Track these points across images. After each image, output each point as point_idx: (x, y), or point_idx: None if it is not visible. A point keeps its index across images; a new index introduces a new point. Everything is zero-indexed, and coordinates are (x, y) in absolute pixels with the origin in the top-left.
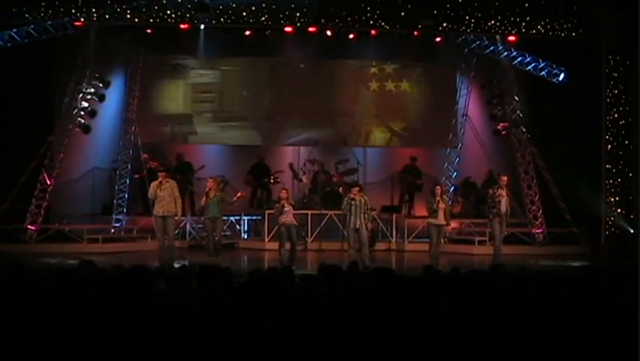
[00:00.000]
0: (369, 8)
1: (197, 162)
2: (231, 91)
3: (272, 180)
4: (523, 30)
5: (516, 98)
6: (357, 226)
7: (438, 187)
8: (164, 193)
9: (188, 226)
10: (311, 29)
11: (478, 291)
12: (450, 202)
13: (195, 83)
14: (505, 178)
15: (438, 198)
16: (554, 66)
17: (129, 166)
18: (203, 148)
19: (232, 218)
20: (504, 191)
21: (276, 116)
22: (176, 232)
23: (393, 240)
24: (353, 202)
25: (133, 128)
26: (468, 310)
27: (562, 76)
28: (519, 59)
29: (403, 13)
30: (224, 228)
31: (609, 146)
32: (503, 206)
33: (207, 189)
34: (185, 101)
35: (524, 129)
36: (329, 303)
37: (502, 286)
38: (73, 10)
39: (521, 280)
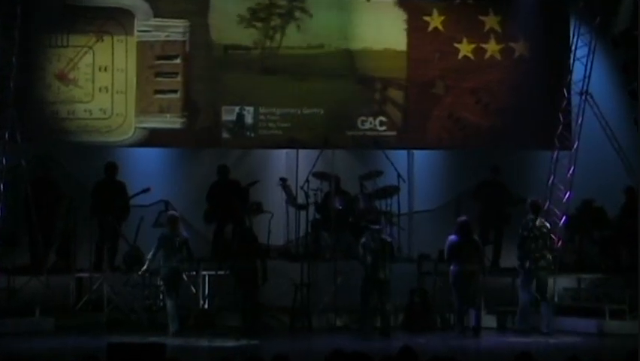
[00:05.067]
0: None
1: (130, 179)
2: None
3: (254, 207)
4: None
5: None
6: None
7: None
8: None
9: (105, 289)
10: None
11: None
12: (557, 243)
13: (140, 41)
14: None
15: None
16: None
17: (2, 186)
18: (137, 154)
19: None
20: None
21: (261, 100)
22: (86, 298)
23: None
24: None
25: (8, 118)
26: None
27: None
28: None
29: None
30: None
31: None
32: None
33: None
34: (110, 73)
35: None
36: None
37: None
38: None
39: None
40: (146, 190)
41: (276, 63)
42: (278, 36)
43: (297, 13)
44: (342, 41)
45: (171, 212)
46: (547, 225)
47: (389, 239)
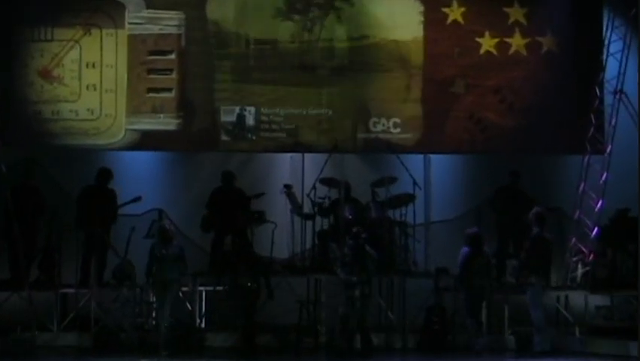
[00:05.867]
0: None
1: (121, 185)
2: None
3: (255, 216)
4: None
5: None
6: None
7: None
8: None
9: (92, 306)
10: None
11: None
12: (588, 257)
13: (131, 34)
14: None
15: None
16: None
17: None
18: (127, 159)
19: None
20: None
21: (266, 98)
22: (71, 315)
23: (483, 331)
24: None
25: None
26: None
27: None
28: None
29: None
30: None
31: None
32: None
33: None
34: (98, 70)
35: None
36: None
37: None
38: None
39: None
40: (136, 199)
41: (314, 57)
42: (317, 28)
43: (338, 3)
44: (389, 31)
45: (162, 223)
46: (549, 237)
47: (372, 251)
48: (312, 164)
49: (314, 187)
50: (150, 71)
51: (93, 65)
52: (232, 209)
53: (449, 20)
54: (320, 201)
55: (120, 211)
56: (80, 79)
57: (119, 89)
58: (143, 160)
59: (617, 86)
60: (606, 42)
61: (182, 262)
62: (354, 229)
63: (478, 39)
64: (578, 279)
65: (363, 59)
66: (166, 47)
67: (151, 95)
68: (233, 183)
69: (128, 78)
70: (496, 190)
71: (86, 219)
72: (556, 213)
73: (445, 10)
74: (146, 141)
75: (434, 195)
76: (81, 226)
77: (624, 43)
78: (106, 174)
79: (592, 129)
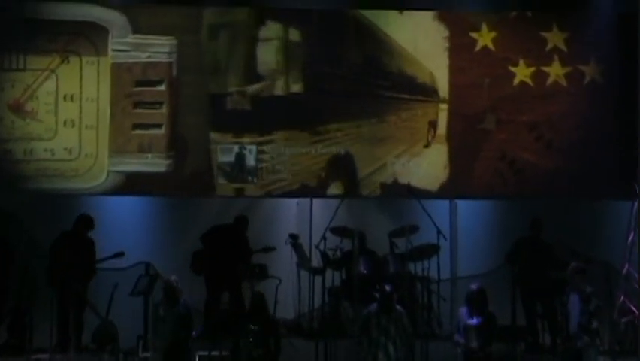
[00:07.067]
0: None
1: (102, 235)
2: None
3: (256, 270)
4: None
5: None
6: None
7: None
8: None
9: None
10: None
11: None
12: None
13: (115, 62)
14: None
15: None
16: None
17: None
18: (110, 204)
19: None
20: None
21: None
22: None
23: None
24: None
25: None
26: None
27: None
28: None
29: None
30: None
31: None
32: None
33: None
34: (77, 104)
35: None
36: None
37: None
38: None
39: None
40: (118, 255)
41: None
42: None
43: (350, 27)
44: (409, 59)
45: (168, 279)
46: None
47: (402, 310)
48: (322, 210)
49: (324, 237)
50: (137, 105)
51: (71, 98)
52: (233, 261)
53: (478, 47)
54: (332, 251)
55: (101, 265)
56: (56, 114)
57: (100, 125)
58: (129, 206)
59: None
60: None
61: (189, 322)
62: (388, 288)
63: (511, 68)
64: (628, 343)
65: (380, 90)
66: (155, 76)
67: (137, 131)
68: (246, 225)
69: (111, 113)
70: (515, 242)
71: (59, 272)
72: (602, 267)
73: (474, 35)
74: (131, 184)
75: (461, 247)
76: (54, 280)
77: None
78: (85, 222)
79: None
